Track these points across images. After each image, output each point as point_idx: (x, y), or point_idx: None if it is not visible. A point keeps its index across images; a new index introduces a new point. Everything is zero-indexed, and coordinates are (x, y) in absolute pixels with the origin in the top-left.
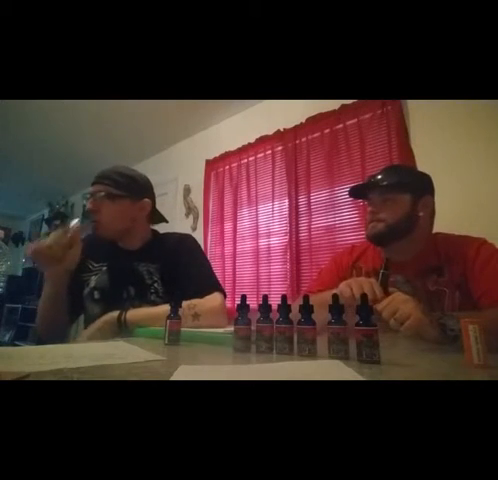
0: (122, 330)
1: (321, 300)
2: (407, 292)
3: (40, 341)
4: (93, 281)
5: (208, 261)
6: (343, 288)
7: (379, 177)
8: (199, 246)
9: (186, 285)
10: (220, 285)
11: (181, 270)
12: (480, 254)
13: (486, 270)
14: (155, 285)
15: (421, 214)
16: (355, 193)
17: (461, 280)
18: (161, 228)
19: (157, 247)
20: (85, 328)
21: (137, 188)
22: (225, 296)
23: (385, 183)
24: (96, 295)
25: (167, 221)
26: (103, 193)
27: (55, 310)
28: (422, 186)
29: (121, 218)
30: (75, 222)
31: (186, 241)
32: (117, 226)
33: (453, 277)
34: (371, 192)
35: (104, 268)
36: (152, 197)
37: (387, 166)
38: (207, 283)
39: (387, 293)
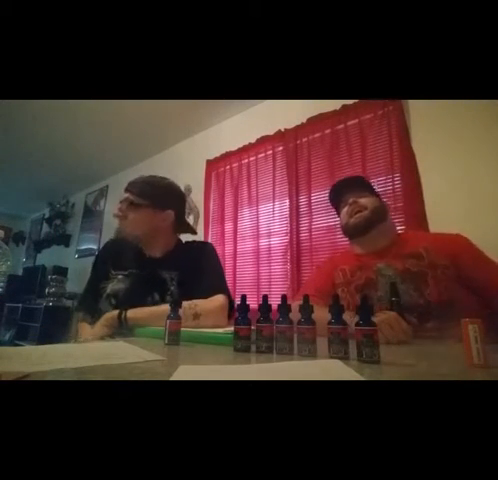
0: (123, 327)
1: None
2: (390, 275)
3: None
4: (109, 288)
5: (220, 266)
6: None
7: (351, 180)
8: (214, 251)
9: (196, 286)
10: (226, 289)
11: (196, 273)
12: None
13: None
14: (172, 288)
15: (387, 208)
16: (335, 195)
17: (445, 263)
18: None
19: (179, 255)
20: None
21: (161, 199)
22: (231, 300)
23: (360, 183)
24: (113, 301)
25: (196, 233)
26: (128, 200)
27: None
28: None
29: (142, 226)
30: None
31: (203, 247)
32: (137, 233)
33: (434, 261)
34: (350, 192)
35: (120, 276)
36: (178, 208)
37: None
38: (213, 285)
39: (405, 318)
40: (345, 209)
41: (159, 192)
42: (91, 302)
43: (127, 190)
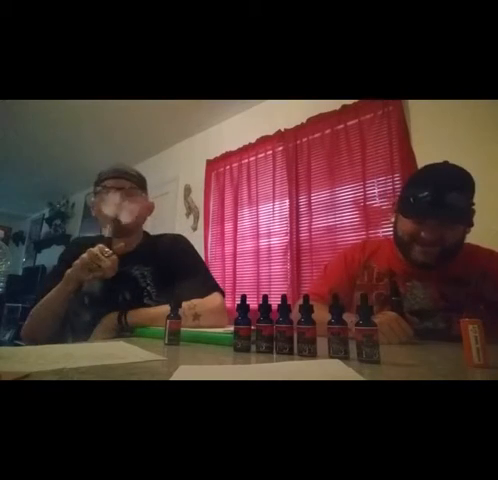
0: (124, 329)
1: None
2: (422, 298)
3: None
4: (84, 286)
5: (203, 261)
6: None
7: (450, 198)
8: (192, 246)
9: (185, 286)
10: (218, 285)
11: (178, 272)
12: None
13: None
14: (148, 288)
15: (467, 230)
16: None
17: (491, 295)
18: (161, 228)
19: (150, 249)
20: (73, 335)
21: (145, 188)
22: (224, 295)
23: (457, 210)
24: (86, 300)
25: None
26: (129, 188)
27: (59, 313)
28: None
29: (140, 214)
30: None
31: (179, 242)
32: (137, 222)
33: (481, 291)
34: (433, 214)
35: None
36: None
37: (456, 177)
38: (206, 284)
39: (405, 317)
40: (413, 225)
41: (144, 180)
42: None
43: (118, 177)
